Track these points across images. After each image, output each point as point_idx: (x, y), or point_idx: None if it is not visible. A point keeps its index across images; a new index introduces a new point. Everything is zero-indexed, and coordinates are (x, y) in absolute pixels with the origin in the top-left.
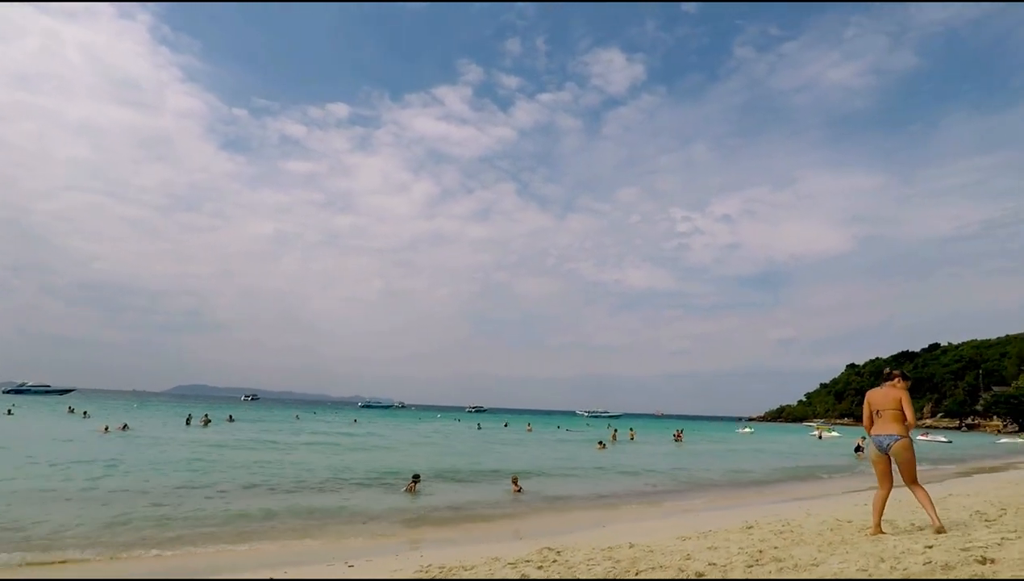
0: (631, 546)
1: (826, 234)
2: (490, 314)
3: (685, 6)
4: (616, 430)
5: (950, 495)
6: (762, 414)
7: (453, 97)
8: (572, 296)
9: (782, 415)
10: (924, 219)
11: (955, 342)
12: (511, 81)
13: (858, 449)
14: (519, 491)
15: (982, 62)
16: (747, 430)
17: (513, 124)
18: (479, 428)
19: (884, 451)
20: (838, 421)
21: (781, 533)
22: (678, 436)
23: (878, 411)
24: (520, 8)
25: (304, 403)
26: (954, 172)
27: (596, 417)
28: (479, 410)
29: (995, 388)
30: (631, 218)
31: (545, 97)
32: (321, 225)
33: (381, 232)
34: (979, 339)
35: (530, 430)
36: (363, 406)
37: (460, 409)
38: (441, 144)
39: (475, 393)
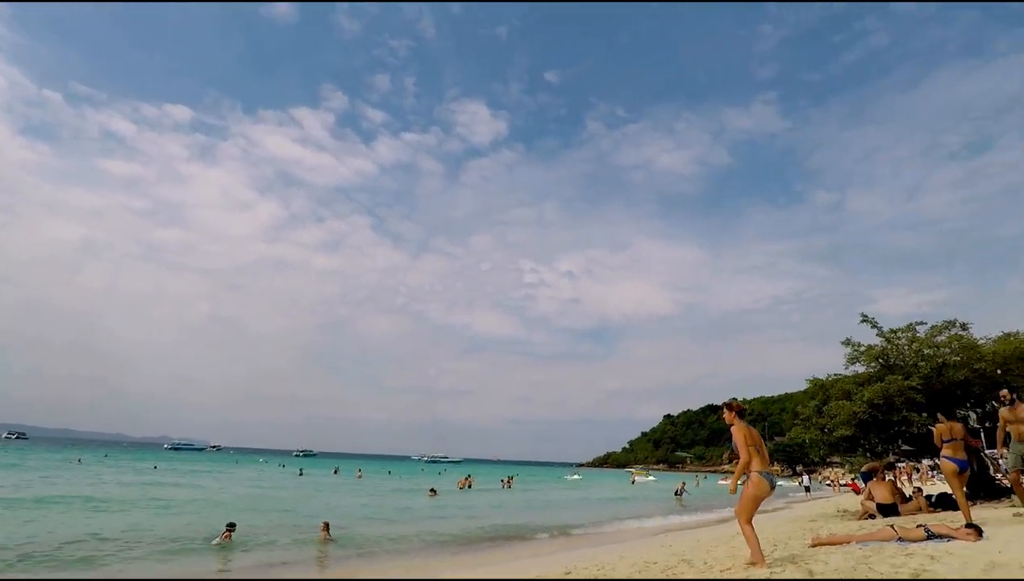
0: None
1: (653, 296)
2: (330, 350)
3: (548, 76)
4: (470, 477)
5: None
6: (590, 460)
7: (313, 121)
8: (419, 337)
9: (608, 461)
10: (730, 292)
11: (748, 398)
12: (376, 115)
13: (678, 493)
14: (328, 538)
15: (775, 168)
16: (576, 476)
17: (375, 158)
18: (300, 474)
19: (773, 487)
20: (655, 467)
21: (596, 578)
22: (508, 483)
23: (757, 448)
24: (393, 47)
25: (99, 443)
26: (753, 254)
27: (435, 463)
28: (307, 454)
29: (776, 438)
30: (483, 265)
31: (409, 137)
32: (140, 236)
33: (214, 251)
34: (765, 395)
35: (360, 476)
36: (171, 448)
37: (287, 453)
38: (294, 167)
39: (307, 435)
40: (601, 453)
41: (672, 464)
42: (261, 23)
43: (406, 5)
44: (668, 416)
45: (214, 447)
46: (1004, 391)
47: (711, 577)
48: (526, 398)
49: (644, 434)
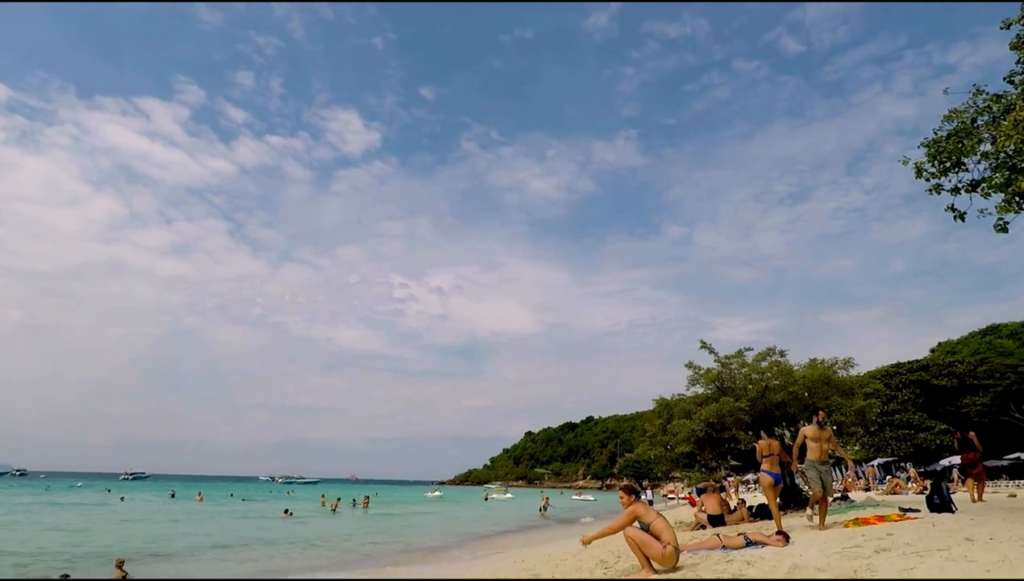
0: None
1: (521, 316)
2: (173, 364)
3: (423, 91)
4: (336, 499)
5: (585, 547)
6: (452, 478)
7: (164, 114)
8: (277, 351)
9: (469, 478)
10: (592, 314)
11: (604, 416)
12: (238, 114)
13: (542, 508)
14: (123, 577)
15: (635, 199)
16: (436, 493)
17: (235, 159)
18: (122, 500)
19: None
20: (514, 483)
21: None
22: (364, 503)
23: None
24: (259, 44)
25: None
26: (613, 280)
27: (291, 483)
28: (139, 477)
29: (627, 454)
30: (351, 277)
31: (275, 140)
32: None
33: (32, 250)
34: (619, 415)
35: (200, 500)
36: None
37: (114, 476)
38: (139, 162)
39: (143, 457)
40: (461, 471)
41: (531, 480)
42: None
43: (275, 4)
44: (529, 433)
45: (18, 471)
46: (822, 412)
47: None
48: (390, 416)
49: (506, 451)
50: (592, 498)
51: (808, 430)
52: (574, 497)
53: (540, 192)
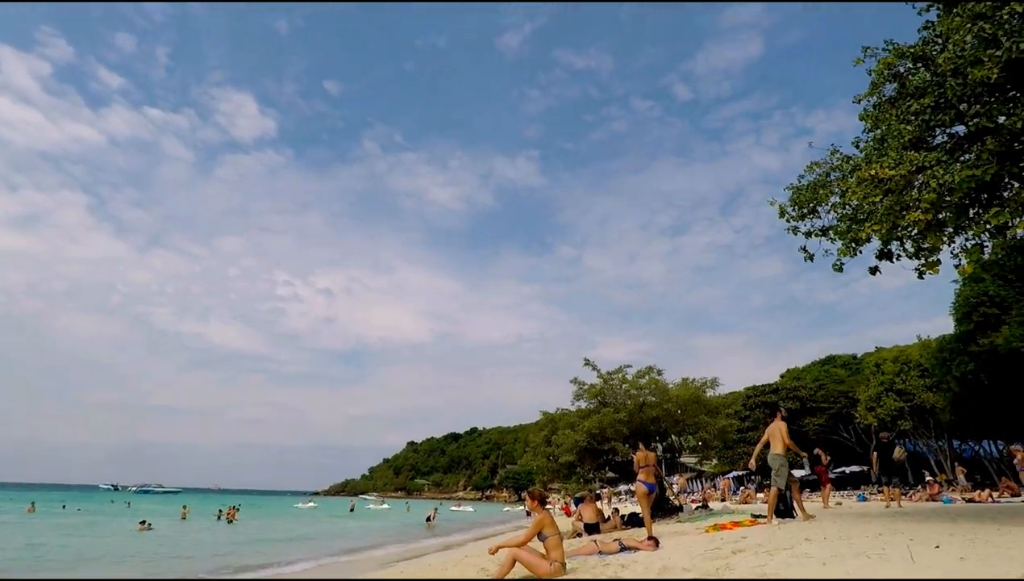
0: None
1: (411, 323)
2: (3, 352)
3: (328, 84)
4: (185, 507)
5: (467, 556)
6: (328, 488)
7: (19, 67)
8: (135, 345)
9: (346, 489)
10: (482, 325)
11: (488, 427)
12: (113, 79)
13: (429, 519)
14: None
15: (531, 217)
16: (310, 504)
17: (103, 128)
18: None
19: None
20: (393, 494)
21: None
22: (230, 514)
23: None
24: (145, 7)
25: None
26: (506, 293)
27: (148, 492)
28: None
29: (509, 466)
30: (230, 270)
31: (154, 113)
32: None
33: None
34: (503, 426)
35: (32, 511)
36: None
37: None
38: None
39: None
40: (338, 480)
41: (410, 491)
42: None
43: None
44: (412, 443)
45: None
46: (783, 410)
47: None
48: (262, 420)
49: (386, 461)
50: (471, 509)
51: (774, 427)
52: (453, 508)
53: (440, 201)
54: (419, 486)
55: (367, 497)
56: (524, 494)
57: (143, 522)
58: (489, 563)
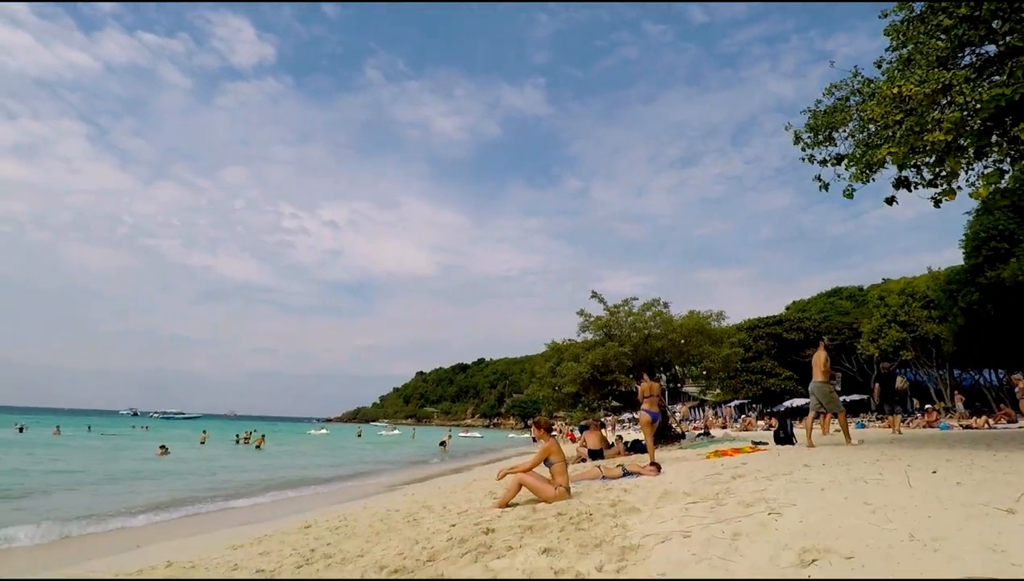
0: (168, 565)
1: (416, 256)
2: (15, 281)
3: (326, 8)
4: (253, 432)
5: (474, 480)
6: (340, 415)
7: None
8: (146, 277)
9: (357, 416)
10: (486, 259)
11: (494, 358)
12: (105, 3)
13: (443, 444)
14: None
15: (538, 149)
16: (322, 431)
17: (97, 54)
18: None
19: None
20: (403, 421)
21: (337, 529)
22: (247, 438)
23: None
24: None
25: None
26: (510, 226)
27: (169, 419)
28: None
29: (515, 395)
30: (235, 202)
31: (149, 38)
32: None
33: None
34: (509, 357)
35: (58, 434)
36: None
37: None
38: None
39: None
40: (350, 408)
41: (420, 419)
42: None
43: None
44: (420, 373)
45: None
46: (825, 339)
47: (448, 523)
48: (272, 350)
49: (396, 389)
50: (479, 435)
51: (817, 356)
52: (461, 435)
53: (444, 132)
54: (428, 414)
55: (378, 424)
56: (530, 422)
57: (163, 447)
58: (497, 487)
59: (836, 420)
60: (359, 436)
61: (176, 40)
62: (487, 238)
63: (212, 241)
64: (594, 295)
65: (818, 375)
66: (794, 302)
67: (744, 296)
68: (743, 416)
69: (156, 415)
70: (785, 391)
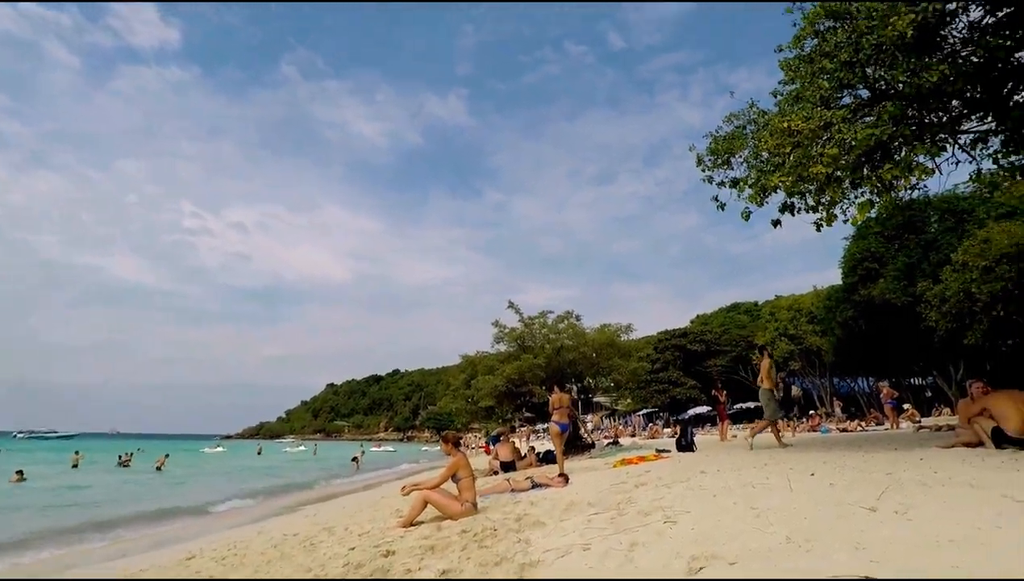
0: None
1: (331, 263)
2: None
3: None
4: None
5: (383, 497)
6: (241, 431)
7: None
8: (16, 276)
9: (261, 432)
10: (406, 267)
11: (411, 369)
12: None
13: (355, 459)
14: None
15: (460, 159)
16: (218, 449)
17: None
18: None
19: None
20: (311, 436)
21: (223, 560)
22: (130, 460)
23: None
24: None
25: None
26: (432, 236)
27: (37, 439)
28: None
29: (430, 407)
30: (129, 197)
31: (30, 8)
32: None
33: None
34: (425, 368)
35: None
36: None
37: None
38: None
39: None
40: (252, 423)
41: (330, 433)
42: None
43: None
44: (331, 385)
45: None
46: (767, 348)
47: (348, 546)
48: (168, 360)
49: (304, 403)
50: (392, 449)
51: (765, 363)
52: (373, 449)
53: (365, 136)
54: (339, 427)
55: (283, 440)
56: (439, 437)
57: (18, 472)
58: (405, 504)
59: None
60: (259, 454)
61: (64, 13)
62: (407, 247)
63: (101, 239)
64: (511, 306)
65: (763, 382)
66: (698, 316)
67: (656, 308)
68: (651, 424)
69: (21, 435)
70: (690, 399)
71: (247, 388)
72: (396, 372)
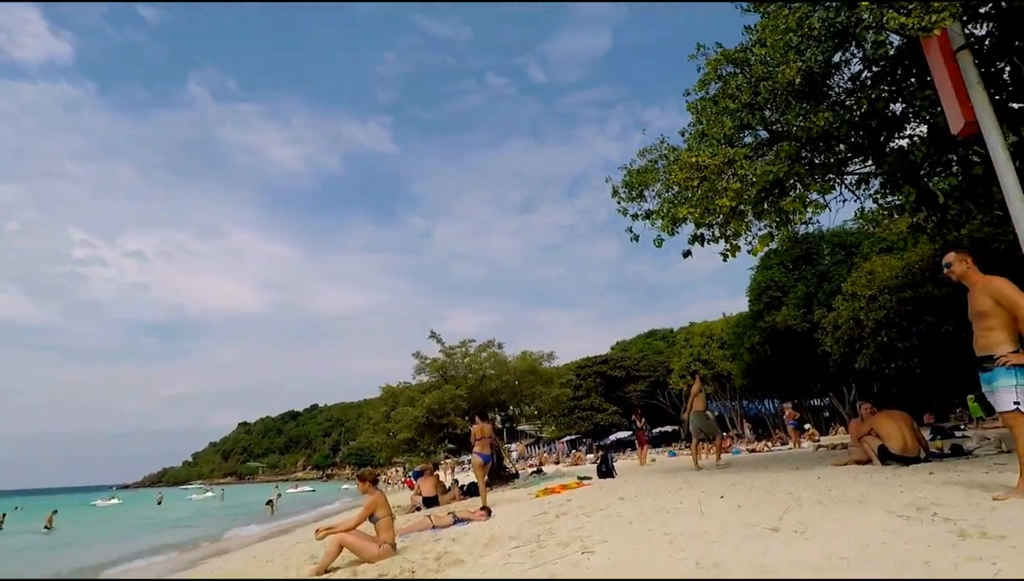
0: None
1: (242, 293)
2: None
3: (143, 10)
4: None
5: (297, 543)
6: (141, 479)
7: None
8: None
9: (164, 479)
10: (325, 296)
11: (330, 403)
12: None
13: (270, 503)
14: None
15: (381, 186)
16: (112, 500)
17: None
18: None
19: None
20: (222, 480)
21: None
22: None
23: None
24: None
25: None
26: (352, 262)
27: None
28: None
29: (352, 443)
30: (8, 224)
31: None
32: None
33: None
34: (346, 402)
35: None
36: None
37: None
38: None
39: None
40: (155, 470)
41: (242, 476)
42: None
43: None
44: (243, 424)
45: None
46: (699, 374)
47: None
48: (56, 405)
49: (213, 444)
50: (311, 489)
51: (695, 387)
52: (290, 490)
53: (280, 161)
54: (253, 469)
55: (189, 487)
56: (355, 476)
57: None
58: (321, 548)
59: (713, 443)
60: (160, 503)
61: None
62: (326, 275)
63: None
64: (432, 335)
65: (696, 406)
66: (618, 342)
67: (580, 335)
68: (574, 451)
69: None
70: (612, 425)
71: (149, 431)
72: (315, 407)
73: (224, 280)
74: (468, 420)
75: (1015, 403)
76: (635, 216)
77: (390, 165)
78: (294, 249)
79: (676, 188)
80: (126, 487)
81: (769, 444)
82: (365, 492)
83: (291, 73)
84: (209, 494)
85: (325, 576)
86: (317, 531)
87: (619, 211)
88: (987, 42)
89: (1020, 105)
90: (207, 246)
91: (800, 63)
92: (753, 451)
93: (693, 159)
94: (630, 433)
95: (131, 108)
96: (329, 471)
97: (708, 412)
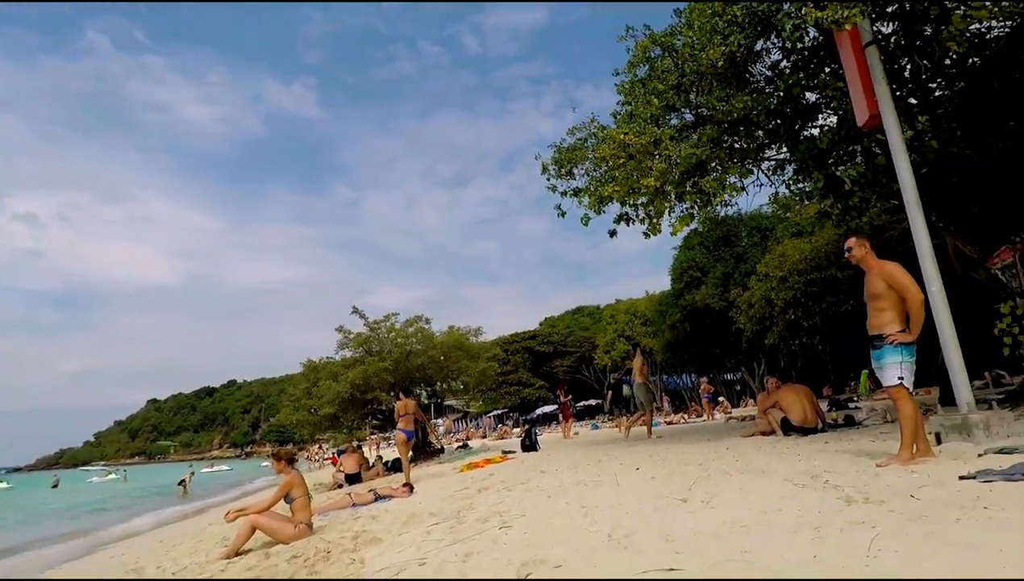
0: None
1: (154, 263)
2: None
3: None
4: None
5: (209, 525)
6: (34, 462)
7: None
8: None
9: (62, 460)
10: (245, 268)
11: (249, 379)
12: None
13: (182, 483)
14: None
15: (307, 153)
16: (1, 485)
17: None
18: None
19: None
20: (129, 461)
21: None
22: None
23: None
24: None
25: None
26: (275, 233)
27: None
28: None
29: (272, 420)
30: None
31: None
32: None
33: None
34: (266, 377)
35: None
36: None
37: None
38: None
39: None
40: (51, 451)
41: (152, 456)
42: None
43: None
44: (154, 401)
45: None
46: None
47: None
48: None
49: (119, 423)
50: (228, 468)
51: (638, 359)
52: (205, 470)
53: (195, 120)
54: (163, 448)
55: (90, 468)
56: (270, 455)
57: None
58: (233, 530)
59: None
60: (55, 487)
61: None
62: (247, 246)
63: None
64: (355, 311)
65: (637, 377)
66: (546, 318)
67: (510, 310)
68: (500, 426)
69: None
70: (539, 399)
71: (44, 410)
72: (232, 383)
73: (132, 248)
74: (393, 396)
75: (899, 378)
76: (564, 193)
77: (317, 131)
78: (211, 217)
79: (604, 166)
80: (17, 470)
81: (686, 416)
82: (281, 472)
83: (207, 25)
84: (112, 476)
85: (235, 559)
86: (227, 513)
87: (548, 188)
88: (892, 40)
89: (917, 100)
90: (112, 211)
91: (724, 47)
92: (671, 423)
93: (621, 136)
94: (555, 407)
95: (20, 55)
96: (248, 449)
97: (649, 383)
